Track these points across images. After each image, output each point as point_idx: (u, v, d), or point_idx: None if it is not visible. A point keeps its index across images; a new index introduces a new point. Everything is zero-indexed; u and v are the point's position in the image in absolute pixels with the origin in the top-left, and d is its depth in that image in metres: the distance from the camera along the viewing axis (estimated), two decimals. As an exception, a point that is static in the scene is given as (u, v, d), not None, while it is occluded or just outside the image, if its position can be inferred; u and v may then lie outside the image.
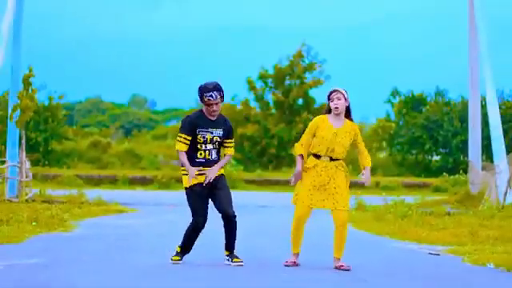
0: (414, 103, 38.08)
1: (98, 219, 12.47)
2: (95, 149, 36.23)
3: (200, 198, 6.84)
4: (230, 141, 7.07)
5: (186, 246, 6.98)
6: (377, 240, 9.82)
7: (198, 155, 6.88)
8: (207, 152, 6.89)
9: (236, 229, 6.91)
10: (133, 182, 27.15)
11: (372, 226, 11.51)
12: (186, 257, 7.11)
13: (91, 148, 36.42)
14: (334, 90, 6.88)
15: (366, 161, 7.01)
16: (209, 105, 6.81)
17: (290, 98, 34.75)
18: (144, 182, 27.04)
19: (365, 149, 7.05)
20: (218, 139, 6.93)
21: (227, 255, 6.98)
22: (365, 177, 6.94)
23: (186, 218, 12.40)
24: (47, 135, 33.48)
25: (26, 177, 16.03)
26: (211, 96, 6.78)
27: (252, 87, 35.92)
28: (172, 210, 14.22)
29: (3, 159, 16.47)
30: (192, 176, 6.79)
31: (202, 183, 6.84)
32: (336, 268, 6.76)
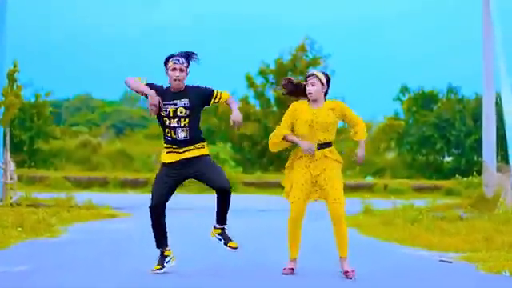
0: (425, 100, 38.11)
1: (87, 224, 12.47)
2: (84, 149, 36.25)
3: (163, 180, 6.67)
4: (213, 95, 6.71)
5: (156, 240, 6.78)
6: (385, 246, 9.83)
7: (167, 133, 6.70)
8: (172, 131, 6.65)
9: (229, 201, 6.73)
10: (124, 185, 27.17)
11: (380, 232, 11.51)
12: (181, 262, 7.10)
13: (80, 148, 36.43)
14: (311, 74, 6.84)
15: (358, 133, 6.88)
16: (173, 69, 6.64)
17: (291, 97, 34.78)
18: (136, 184, 27.06)
19: (359, 120, 6.87)
20: (185, 112, 6.61)
21: (219, 234, 6.85)
22: (359, 151, 6.84)
23: (181, 222, 12.42)
24: (33, 134, 33.49)
25: (11, 179, 16.02)
26: (177, 60, 6.66)
27: (252, 83, 35.93)
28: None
29: (-14, 160, 16.46)
30: (151, 99, 6.55)
31: (172, 163, 6.68)
32: (343, 273, 6.74)
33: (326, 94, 6.89)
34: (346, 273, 6.73)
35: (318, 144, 6.75)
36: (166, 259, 6.82)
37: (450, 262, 8.10)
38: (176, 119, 6.64)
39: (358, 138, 6.89)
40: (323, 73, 6.93)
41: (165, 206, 6.72)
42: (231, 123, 6.71)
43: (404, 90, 39.39)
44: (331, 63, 37.65)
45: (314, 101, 6.80)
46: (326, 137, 6.75)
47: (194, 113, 6.67)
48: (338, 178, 6.77)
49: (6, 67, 15.72)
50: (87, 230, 11.22)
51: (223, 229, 6.87)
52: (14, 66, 15.40)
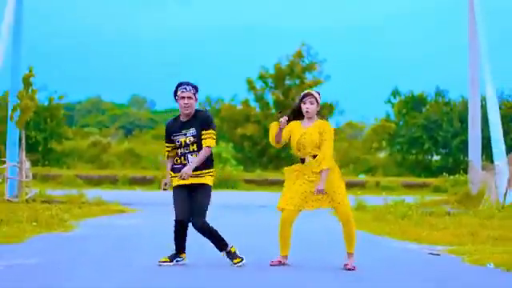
0: (414, 103, 38.12)
1: (98, 219, 12.47)
2: (95, 149, 36.27)
3: (178, 197, 6.76)
4: (205, 132, 6.76)
5: (176, 246, 6.87)
6: (377, 240, 9.82)
7: (175, 161, 6.86)
8: (182, 157, 6.78)
9: (213, 231, 6.79)
10: (133, 182, 27.16)
11: (372, 226, 11.50)
12: (187, 257, 7.10)
13: (91, 148, 36.46)
14: (308, 94, 6.91)
15: (320, 163, 6.74)
16: (182, 97, 6.73)
17: (290, 98, 34.77)
18: (144, 182, 27.05)
19: (325, 148, 6.76)
20: (193, 139, 6.75)
21: (226, 255, 6.93)
22: (320, 183, 6.69)
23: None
24: (47, 135, 33.51)
25: (26, 177, 16.03)
26: (184, 88, 6.75)
27: (252, 87, 35.95)
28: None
29: (3, 159, 16.47)
30: (165, 183, 6.86)
31: (184, 185, 6.77)
32: (344, 265, 6.77)
33: (318, 112, 6.96)
34: (345, 265, 6.78)
35: (312, 156, 6.82)
36: (178, 258, 6.90)
37: (438, 255, 8.10)
38: (186, 147, 6.79)
39: (319, 169, 6.78)
40: (317, 93, 7.02)
41: (188, 221, 6.77)
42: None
43: (395, 93, 39.39)
44: (326, 68, 37.73)
45: (309, 118, 6.91)
46: (315, 151, 6.82)
47: (200, 138, 6.77)
48: (337, 183, 6.82)
49: (22, 72, 15.73)
50: (98, 225, 11.22)
51: (229, 252, 6.94)
52: (30, 71, 15.41)
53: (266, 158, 35.29)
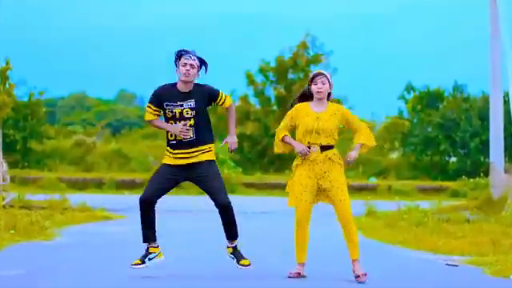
0: (430, 99, 38.11)
1: (82, 226, 12.48)
2: (79, 149, 36.25)
3: (159, 176, 6.67)
4: (218, 98, 6.73)
5: (143, 234, 6.73)
6: (389, 249, 9.83)
7: (169, 136, 6.68)
8: None
9: (233, 215, 6.71)
10: (121, 186, 27.18)
11: (384, 234, 11.51)
12: (180, 264, 7.08)
13: (75, 148, 36.44)
14: (320, 73, 6.87)
15: (362, 137, 6.87)
16: (184, 64, 6.60)
17: (293, 94, 34.76)
18: (133, 185, 27.05)
19: (364, 125, 6.92)
20: (191, 112, 6.61)
21: (231, 253, 6.83)
22: (352, 152, 6.82)
23: (178, 225, 12.41)
24: (26, 134, 33.49)
25: (3, 180, 16.03)
26: (189, 56, 6.64)
27: (251, 81, 35.95)
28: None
29: (-22, 160, 16.46)
30: (178, 131, 6.58)
31: (176, 165, 6.67)
32: (355, 277, 6.70)
33: (329, 95, 6.91)
34: (357, 277, 6.69)
35: (321, 146, 6.77)
36: (150, 256, 6.74)
37: (456, 266, 8.10)
38: (182, 121, 6.63)
39: (359, 141, 6.87)
40: (329, 73, 7.00)
41: (155, 201, 6.68)
42: (226, 145, 6.80)
43: (409, 88, 39.38)
44: (333, 60, 37.72)
45: (320, 100, 6.84)
46: (328, 141, 6.79)
47: (200, 113, 6.66)
48: (342, 179, 6.81)
49: (-1, 65, 15.73)
50: (81, 233, 11.22)
51: (235, 247, 6.85)
52: (6, 64, 15.42)
53: (267, 160, 35.27)
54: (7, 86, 15.38)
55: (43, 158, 34.39)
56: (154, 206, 6.68)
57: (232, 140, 6.83)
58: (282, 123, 6.94)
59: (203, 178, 6.66)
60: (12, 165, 26.34)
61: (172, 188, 6.75)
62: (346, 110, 6.90)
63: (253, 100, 36.44)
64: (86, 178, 28.18)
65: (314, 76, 6.88)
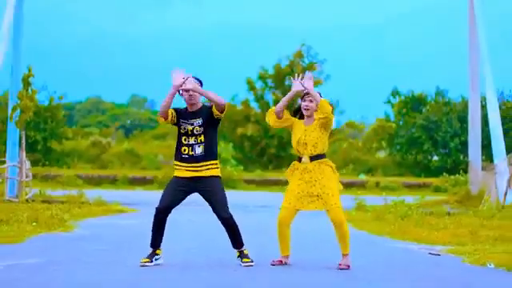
0: (414, 103, 38.10)
1: (97, 219, 12.46)
2: (95, 149, 36.27)
3: (171, 187, 6.78)
4: (212, 107, 6.77)
5: (152, 240, 6.84)
6: (377, 240, 9.82)
7: (183, 151, 6.80)
8: (190, 148, 6.77)
9: (236, 227, 6.86)
10: (133, 182, 27.17)
11: (372, 226, 11.50)
12: (186, 257, 7.09)
13: (91, 148, 36.45)
14: (308, 92, 6.90)
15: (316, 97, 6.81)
16: (185, 91, 6.75)
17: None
18: (144, 182, 27.06)
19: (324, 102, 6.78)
20: (199, 129, 6.76)
21: (238, 256, 6.96)
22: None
23: (187, 217, 12.41)
24: (47, 135, 33.51)
25: (26, 177, 16.03)
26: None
27: (252, 87, 35.94)
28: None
29: (3, 159, 16.48)
30: (177, 78, 6.68)
31: (185, 177, 6.76)
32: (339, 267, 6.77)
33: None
34: (339, 264, 6.79)
35: (310, 156, 6.83)
36: (156, 256, 6.87)
37: (438, 255, 8.09)
38: (193, 137, 6.79)
39: (318, 103, 6.77)
40: (318, 92, 7.01)
41: (170, 211, 6.82)
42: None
43: (395, 93, 39.36)
44: (326, 68, 37.70)
45: (309, 116, 6.93)
46: (315, 150, 6.83)
47: (208, 130, 6.80)
48: (334, 185, 6.80)
49: (22, 72, 15.73)
50: (97, 225, 11.21)
51: (241, 251, 6.96)
52: (29, 71, 15.41)
53: (266, 158, 35.28)
54: (30, 91, 15.37)
55: (62, 157, 34.39)
56: (167, 216, 6.82)
57: (193, 84, 6.74)
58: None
59: (208, 192, 6.79)
60: (34, 163, 26.33)
61: (183, 199, 6.87)
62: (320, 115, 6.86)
63: (253, 104, 36.46)
64: (102, 175, 28.16)
65: (304, 94, 6.94)
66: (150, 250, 6.88)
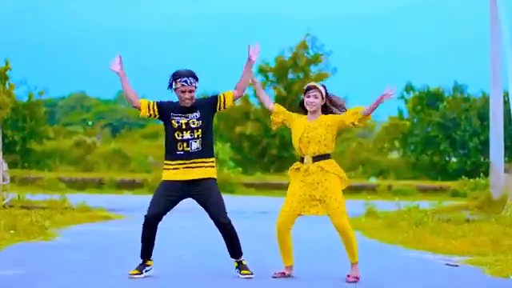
0: (430, 99, 38.13)
1: (81, 226, 12.47)
2: (79, 149, 36.25)
3: (162, 194, 6.73)
4: (217, 100, 6.89)
5: (142, 250, 6.84)
6: (389, 249, 9.83)
7: (178, 147, 6.76)
8: (185, 143, 6.73)
9: (235, 234, 6.84)
10: (120, 186, 27.19)
11: (384, 234, 11.51)
12: (178, 267, 7.09)
13: (74, 148, 36.44)
14: (313, 87, 6.91)
15: (359, 111, 6.79)
16: (183, 91, 6.73)
17: (293, 94, 34.77)
18: (133, 185, 27.07)
19: (350, 109, 6.86)
20: (197, 123, 6.75)
21: (236, 267, 6.94)
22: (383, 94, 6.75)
23: (177, 225, 12.41)
24: (25, 134, 33.49)
25: (3, 180, 16.03)
26: (185, 82, 6.73)
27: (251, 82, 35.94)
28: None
29: (-22, 161, 16.46)
30: (114, 64, 7.04)
31: (176, 181, 6.73)
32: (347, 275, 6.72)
33: (324, 108, 6.94)
34: (347, 276, 6.74)
35: (312, 157, 6.78)
36: (147, 268, 6.85)
37: (456, 266, 8.10)
38: (189, 131, 6.75)
39: (364, 113, 6.79)
40: (323, 86, 7.00)
41: (160, 219, 6.79)
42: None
43: (409, 88, 39.39)
44: (333, 60, 37.70)
45: (313, 113, 6.90)
46: (319, 149, 6.78)
47: (206, 123, 6.80)
48: (337, 189, 6.77)
49: (-2, 65, 15.73)
50: (81, 233, 11.22)
51: (240, 262, 6.94)
52: (6, 64, 15.42)
53: (267, 159, 35.26)
54: (7, 86, 15.38)
55: (43, 158, 34.40)
56: (157, 225, 6.80)
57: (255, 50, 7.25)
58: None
59: (204, 195, 6.76)
60: (12, 165, 26.34)
61: (174, 205, 6.82)
62: (336, 116, 6.88)
63: (253, 100, 36.44)
64: (86, 178, 28.19)
65: (307, 89, 6.94)
66: (140, 260, 6.88)
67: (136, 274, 6.76)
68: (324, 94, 6.92)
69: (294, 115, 7.02)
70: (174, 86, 6.81)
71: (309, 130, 6.81)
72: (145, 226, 6.77)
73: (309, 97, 6.90)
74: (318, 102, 6.88)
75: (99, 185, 27.39)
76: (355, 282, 6.66)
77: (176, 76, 6.79)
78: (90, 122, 51.38)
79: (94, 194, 23.85)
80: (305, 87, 7.00)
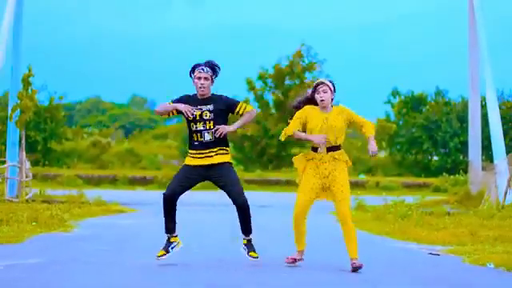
0: (414, 103, 38.10)
1: (97, 219, 12.47)
2: (95, 149, 36.24)
3: (182, 175, 6.73)
4: (237, 105, 6.79)
5: (165, 225, 6.82)
6: (377, 240, 9.82)
7: (194, 138, 6.76)
8: (199, 134, 6.71)
9: (248, 213, 6.83)
10: (133, 182, 27.17)
11: (372, 226, 11.50)
12: (186, 257, 7.10)
13: (91, 148, 36.42)
14: (321, 83, 6.79)
15: (368, 130, 6.76)
16: (198, 78, 6.70)
17: (290, 98, 34.68)
18: (144, 182, 27.05)
19: (365, 120, 6.83)
20: (210, 115, 6.70)
21: (245, 244, 6.92)
22: (370, 146, 6.69)
23: (188, 217, 12.39)
24: (46, 135, 33.50)
25: (26, 177, 16.03)
26: (202, 69, 6.73)
27: (252, 87, 35.91)
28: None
29: (3, 159, 16.46)
30: (190, 109, 6.69)
31: (195, 166, 6.72)
32: (352, 268, 6.62)
33: (332, 100, 6.85)
34: (352, 264, 6.61)
35: (328, 147, 6.69)
36: (172, 245, 6.85)
37: (438, 255, 8.09)
38: (202, 122, 6.72)
39: (368, 134, 6.75)
40: (330, 81, 6.88)
41: (177, 198, 6.77)
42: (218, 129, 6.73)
43: (395, 93, 39.36)
44: (326, 68, 37.64)
45: (324, 107, 6.76)
46: (337, 140, 6.72)
47: (218, 116, 6.74)
48: (345, 180, 6.69)
49: (22, 72, 15.72)
50: (97, 225, 11.21)
51: (249, 240, 6.95)
52: (29, 71, 15.40)
53: (266, 158, 35.26)
54: (30, 91, 15.37)
55: (62, 157, 34.38)
56: (175, 202, 6.78)
57: (226, 128, 6.76)
58: (291, 121, 6.83)
59: (222, 178, 6.75)
60: (34, 163, 26.33)
61: (192, 186, 6.82)
62: (349, 110, 6.83)
63: (253, 104, 36.43)
64: (101, 175, 28.15)
65: (316, 85, 6.79)
66: (165, 237, 6.85)
67: (163, 255, 6.76)
68: (332, 88, 6.80)
69: (305, 110, 6.79)
70: (192, 74, 6.78)
71: (327, 123, 6.67)
72: (164, 203, 6.75)
73: (319, 93, 6.74)
74: (328, 96, 6.73)
75: (113, 181, 27.36)
76: (360, 267, 6.56)
77: (195, 65, 6.80)
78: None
79: (108, 189, 23.83)
80: (314, 84, 6.86)
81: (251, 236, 6.95)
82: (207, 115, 6.71)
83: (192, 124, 6.74)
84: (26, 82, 15.35)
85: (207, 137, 6.72)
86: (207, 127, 6.72)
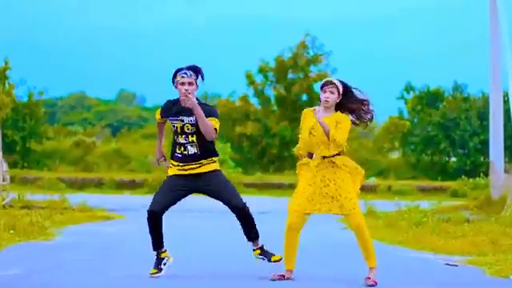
0: (430, 99, 38.11)
1: (81, 226, 12.47)
2: (79, 149, 36.21)
3: (167, 188, 6.72)
4: (211, 119, 6.63)
5: (152, 242, 6.84)
6: (389, 249, 9.82)
7: (177, 150, 6.77)
8: (183, 147, 6.71)
9: (250, 217, 6.81)
10: (120, 186, 27.18)
11: (383, 234, 11.50)
12: (178, 264, 7.09)
13: (74, 148, 36.41)
14: (329, 82, 6.69)
15: (332, 132, 6.49)
16: (181, 83, 6.67)
17: (293, 94, 34.76)
18: (133, 185, 27.06)
19: (339, 131, 6.49)
20: (192, 128, 6.65)
21: (259, 254, 6.89)
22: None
23: (178, 224, 12.39)
24: (25, 134, 33.47)
25: (3, 180, 16.02)
26: (185, 73, 6.69)
27: (251, 82, 35.91)
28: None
29: (-22, 160, 16.45)
30: (160, 156, 7.01)
31: (181, 176, 6.71)
32: (365, 279, 6.57)
33: (340, 104, 6.69)
34: (367, 279, 6.56)
35: (323, 156, 6.55)
36: (163, 261, 6.83)
37: (456, 266, 8.09)
38: (184, 135, 6.71)
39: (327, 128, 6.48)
40: (341, 82, 6.74)
41: (162, 213, 6.76)
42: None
43: (408, 88, 39.38)
44: (333, 60, 37.66)
45: (327, 108, 6.64)
46: (330, 149, 6.54)
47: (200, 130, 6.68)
48: (350, 187, 6.57)
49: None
50: (81, 233, 11.21)
51: (261, 248, 6.92)
52: (6, 64, 15.42)
53: (267, 160, 35.25)
54: (6, 86, 15.38)
55: (43, 158, 34.39)
56: (161, 217, 6.77)
57: (192, 102, 6.60)
58: (300, 139, 6.72)
59: (212, 187, 6.74)
60: (12, 165, 26.33)
61: (179, 199, 6.80)
62: (342, 119, 6.59)
63: (253, 100, 36.44)
64: (86, 178, 28.18)
65: (324, 84, 6.68)
66: (154, 255, 6.84)
67: (156, 273, 6.74)
68: (341, 90, 6.67)
69: (304, 113, 6.73)
70: (174, 81, 6.76)
71: (316, 130, 6.56)
72: (148, 219, 6.75)
73: (325, 92, 6.63)
74: (333, 98, 6.61)
75: (99, 185, 27.38)
76: (374, 285, 6.49)
77: (177, 70, 6.78)
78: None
79: (93, 194, 23.83)
80: (322, 82, 6.75)
81: (260, 241, 6.89)
82: (189, 128, 6.69)
83: (175, 136, 6.78)
84: (3, 76, 15.37)
85: (191, 150, 6.72)
86: (190, 140, 6.71)
